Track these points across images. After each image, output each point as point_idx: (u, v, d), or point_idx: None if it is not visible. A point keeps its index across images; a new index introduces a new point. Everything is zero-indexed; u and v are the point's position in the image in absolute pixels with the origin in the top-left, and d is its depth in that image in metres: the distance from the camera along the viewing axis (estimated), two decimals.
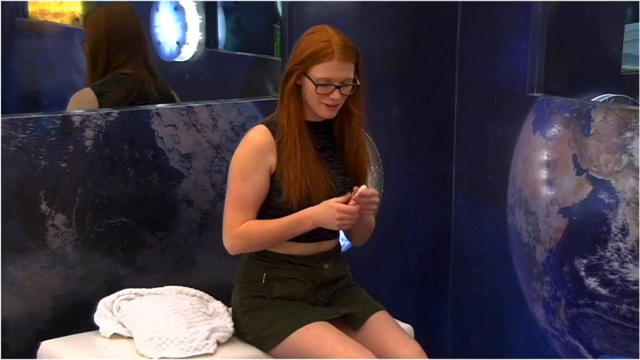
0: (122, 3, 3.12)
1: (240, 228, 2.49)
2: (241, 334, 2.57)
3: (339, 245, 2.68)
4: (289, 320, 2.48)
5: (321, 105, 2.49)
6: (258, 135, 2.52)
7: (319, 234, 2.56)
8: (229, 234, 2.51)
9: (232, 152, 2.84)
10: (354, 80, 2.52)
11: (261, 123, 2.56)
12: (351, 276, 2.69)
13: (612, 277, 2.73)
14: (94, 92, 2.96)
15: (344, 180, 2.58)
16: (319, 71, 2.46)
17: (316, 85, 2.47)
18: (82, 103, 2.93)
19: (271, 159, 2.50)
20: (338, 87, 2.47)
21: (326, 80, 2.46)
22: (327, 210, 2.44)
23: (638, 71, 3.27)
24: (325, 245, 2.60)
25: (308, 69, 2.48)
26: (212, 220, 2.94)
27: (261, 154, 2.50)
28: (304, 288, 2.56)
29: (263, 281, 2.55)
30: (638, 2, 3.25)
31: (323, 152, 2.55)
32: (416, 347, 2.51)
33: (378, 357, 2.43)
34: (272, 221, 2.49)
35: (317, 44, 2.48)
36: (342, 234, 2.74)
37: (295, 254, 2.55)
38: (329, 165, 2.56)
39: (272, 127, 2.52)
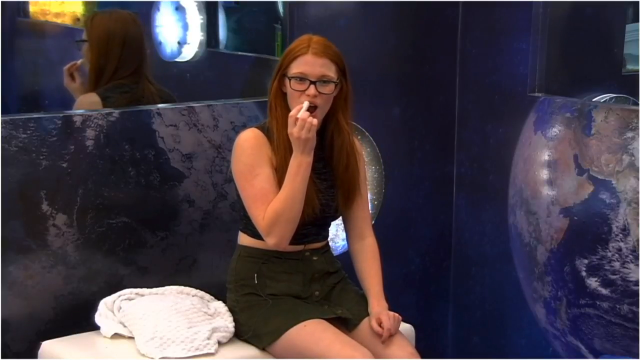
0: (127, 10, 3.12)
1: (265, 217, 2.47)
2: (240, 332, 2.58)
3: (327, 245, 2.69)
4: (285, 317, 2.49)
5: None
6: (248, 133, 2.55)
7: (307, 236, 2.57)
8: (264, 230, 2.49)
9: None
10: (337, 82, 2.51)
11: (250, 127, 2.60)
12: (344, 273, 2.69)
13: (613, 277, 2.73)
14: (99, 96, 2.96)
15: (331, 192, 2.58)
16: (294, 67, 2.49)
17: (290, 80, 2.48)
18: (88, 106, 2.93)
19: (270, 153, 2.51)
20: (314, 83, 2.47)
21: (301, 74, 2.47)
22: (292, 142, 2.43)
23: (639, 71, 3.27)
24: (314, 245, 2.62)
25: (286, 69, 2.50)
26: (213, 220, 2.94)
27: (259, 146, 2.52)
28: (296, 281, 2.58)
29: (255, 280, 2.56)
30: (638, 2, 3.25)
31: (317, 163, 2.53)
32: (409, 347, 2.52)
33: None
34: (283, 187, 2.47)
35: (295, 44, 2.52)
36: (334, 237, 2.75)
37: (284, 251, 2.55)
38: (319, 178, 2.56)
39: (264, 131, 2.54)
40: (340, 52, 2.53)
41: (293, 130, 2.41)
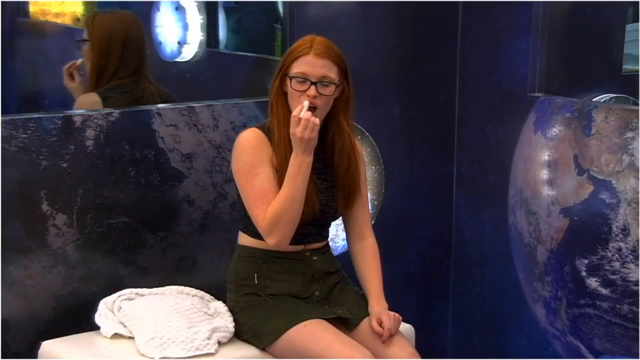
0: (128, 11, 3.13)
1: (266, 217, 2.47)
2: (240, 332, 2.58)
3: (328, 245, 2.69)
4: (285, 317, 2.49)
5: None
6: (249, 133, 2.55)
7: (307, 236, 2.57)
8: (264, 230, 2.49)
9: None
10: (338, 84, 2.50)
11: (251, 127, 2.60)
12: (344, 273, 2.69)
13: (613, 277, 2.73)
14: (99, 96, 2.97)
15: (331, 192, 2.59)
16: (296, 67, 2.48)
17: (291, 80, 2.47)
18: (88, 105, 2.93)
19: (270, 153, 2.51)
20: (314, 84, 2.46)
21: (301, 75, 2.47)
22: (294, 142, 2.43)
23: (639, 71, 3.27)
24: (314, 245, 2.62)
25: (288, 68, 2.50)
26: (213, 220, 2.94)
27: (259, 146, 2.52)
28: (296, 281, 2.58)
29: (255, 280, 2.56)
30: (638, 2, 3.25)
31: (317, 163, 2.53)
32: (409, 347, 2.52)
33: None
34: (283, 187, 2.47)
35: (297, 44, 2.52)
36: (334, 237, 2.75)
37: (284, 251, 2.55)
38: (319, 178, 2.56)
39: (265, 131, 2.54)
40: (342, 53, 2.52)
41: (296, 130, 2.41)
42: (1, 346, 2.62)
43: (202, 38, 3.42)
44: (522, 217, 3.09)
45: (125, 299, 2.64)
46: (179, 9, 3.39)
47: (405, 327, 2.67)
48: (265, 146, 2.53)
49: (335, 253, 2.81)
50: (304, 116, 2.41)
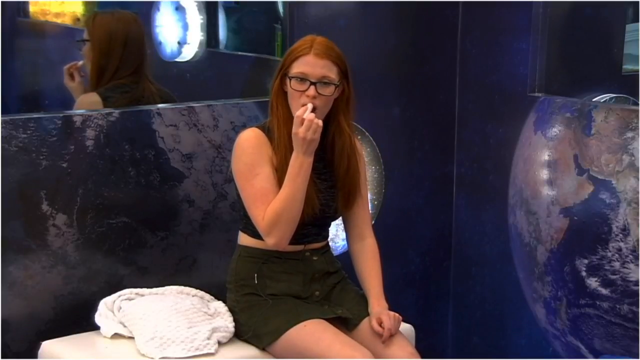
0: (128, 11, 3.13)
1: (265, 217, 2.47)
2: (240, 332, 2.58)
3: (328, 245, 2.69)
4: (285, 317, 2.49)
5: (300, 106, 2.47)
6: (249, 133, 2.55)
7: (307, 236, 2.57)
8: (264, 230, 2.49)
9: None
10: (338, 84, 2.50)
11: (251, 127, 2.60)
12: (344, 273, 2.69)
13: (613, 277, 2.73)
14: (100, 96, 2.97)
15: (331, 192, 2.59)
16: (295, 67, 2.48)
17: (291, 80, 2.47)
18: (88, 105, 2.94)
19: (270, 152, 2.51)
20: (314, 84, 2.46)
21: (301, 75, 2.47)
22: (296, 142, 2.42)
23: (639, 71, 3.27)
24: (314, 245, 2.62)
25: (288, 68, 2.50)
26: (213, 220, 2.94)
27: (259, 146, 2.52)
28: (296, 281, 2.57)
29: (255, 280, 2.56)
30: (638, 2, 3.25)
31: (317, 163, 2.52)
32: (409, 347, 2.52)
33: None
34: (283, 187, 2.47)
35: (298, 44, 2.52)
36: (334, 237, 2.74)
37: (284, 251, 2.55)
38: (319, 178, 2.56)
39: (265, 131, 2.54)
40: (342, 53, 2.52)
41: (299, 131, 2.41)
42: (1, 346, 2.62)
43: (202, 38, 3.42)
44: (522, 217, 3.09)
45: (125, 299, 2.64)
46: (179, 9, 3.39)
47: (405, 327, 2.67)
48: (265, 146, 2.53)
49: (335, 253, 2.81)
50: (307, 117, 2.40)
